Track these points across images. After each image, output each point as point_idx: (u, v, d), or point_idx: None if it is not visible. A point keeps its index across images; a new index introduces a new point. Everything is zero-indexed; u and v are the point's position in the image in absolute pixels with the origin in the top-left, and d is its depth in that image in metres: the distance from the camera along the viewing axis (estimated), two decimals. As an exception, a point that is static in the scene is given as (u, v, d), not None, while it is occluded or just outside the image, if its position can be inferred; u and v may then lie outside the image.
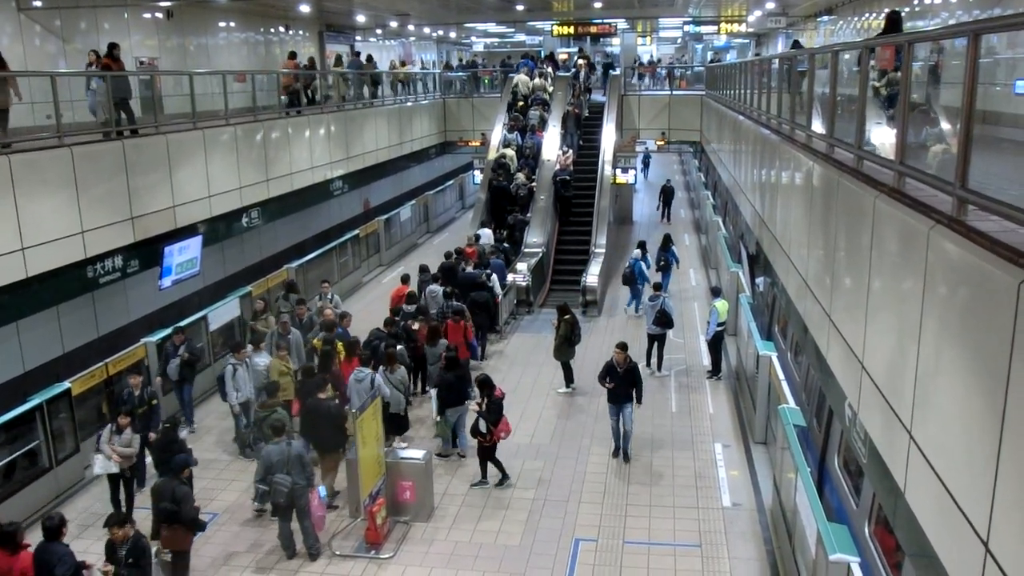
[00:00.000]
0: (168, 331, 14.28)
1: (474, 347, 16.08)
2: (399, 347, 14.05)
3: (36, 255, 11.70)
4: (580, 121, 27.20)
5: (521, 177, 24.01)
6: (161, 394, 13.09)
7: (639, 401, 12.76)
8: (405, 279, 17.95)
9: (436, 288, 17.52)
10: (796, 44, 33.12)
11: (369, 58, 31.41)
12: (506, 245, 22.01)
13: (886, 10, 28.06)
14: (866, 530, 7.44)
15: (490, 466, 12.06)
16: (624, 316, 19.98)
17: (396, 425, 13.09)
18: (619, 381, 12.54)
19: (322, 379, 11.92)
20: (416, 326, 15.23)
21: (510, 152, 25.11)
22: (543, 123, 26.83)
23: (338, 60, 29.64)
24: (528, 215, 23.36)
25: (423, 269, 18.63)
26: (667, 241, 22.16)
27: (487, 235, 22.30)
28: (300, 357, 14.12)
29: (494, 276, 18.52)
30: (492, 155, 25.58)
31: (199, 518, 9.43)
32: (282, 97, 21.41)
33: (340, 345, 13.65)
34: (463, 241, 21.33)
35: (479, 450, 11.96)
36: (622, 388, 12.57)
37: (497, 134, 26.59)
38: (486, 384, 11.94)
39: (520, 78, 29.04)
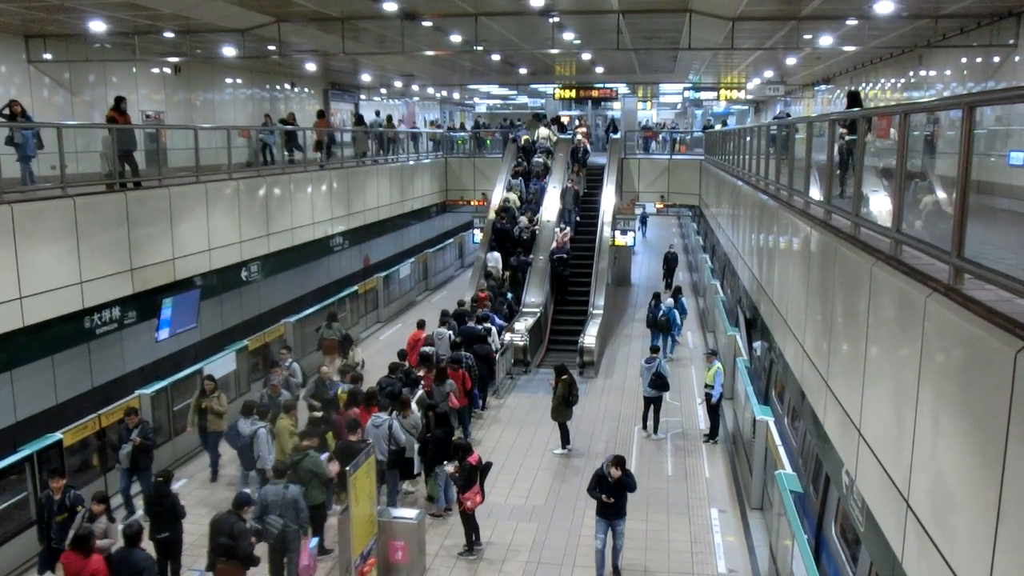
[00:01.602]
0: (159, 384, 14.18)
1: (475, 397, 16.40)
2: (420, 392, 14.41)
3: (34, 304, 11.70)
4: (579, 198, 27.22)
5: (524, 220, 24.82)
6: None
7: (631, 488, 11.01)
8: (421, 324, 18.42)
9: (443, 331, 18.07)
10: (781, 115, 33.78)
11: (388, 119, 32.26)
12: (509, 295, 22.49)
13: (881, 80, 28.65)
14: None
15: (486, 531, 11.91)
16: (622, 377, 19.92)
17: (405, 469, 13.08)
18: (612, 492, 10.84)
19: (353, 424, 12.19)
20: (422, 372, 15.44)
21: (514, 196, 26.14)
22: (546, 170, 27.89)
23: (359, 120, 30.24)
24: (531, 256, 23.93)
25: (444, 313, 19.33)
26: (677, 293, 23.16)
27: (496, 258, 23.34)
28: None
29: (493, 330, 18.84)
30: (496, 202, 26.46)
31: (253, 554, 9.48)
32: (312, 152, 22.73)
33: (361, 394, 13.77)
34: (461, 298, 21.44)
35: (461, 517, 11.80)
36: (616, 500, 10.89)
37: (498, 193, 26.94)
38: (460, 448, 11.77)
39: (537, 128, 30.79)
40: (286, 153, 21.87)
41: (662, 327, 21.36)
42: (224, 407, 14.10)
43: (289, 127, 22.97)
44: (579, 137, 30.12)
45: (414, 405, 13.57)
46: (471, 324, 18.67)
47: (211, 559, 9.51)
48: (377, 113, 33.85)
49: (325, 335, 18.92)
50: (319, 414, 13.49)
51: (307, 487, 10.96)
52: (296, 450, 11.43)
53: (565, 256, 23.66)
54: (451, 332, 18.10)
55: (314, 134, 23.67)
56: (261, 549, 10.52)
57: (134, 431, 12.23)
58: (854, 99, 13.62)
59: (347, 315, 23.35)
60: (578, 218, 26.66)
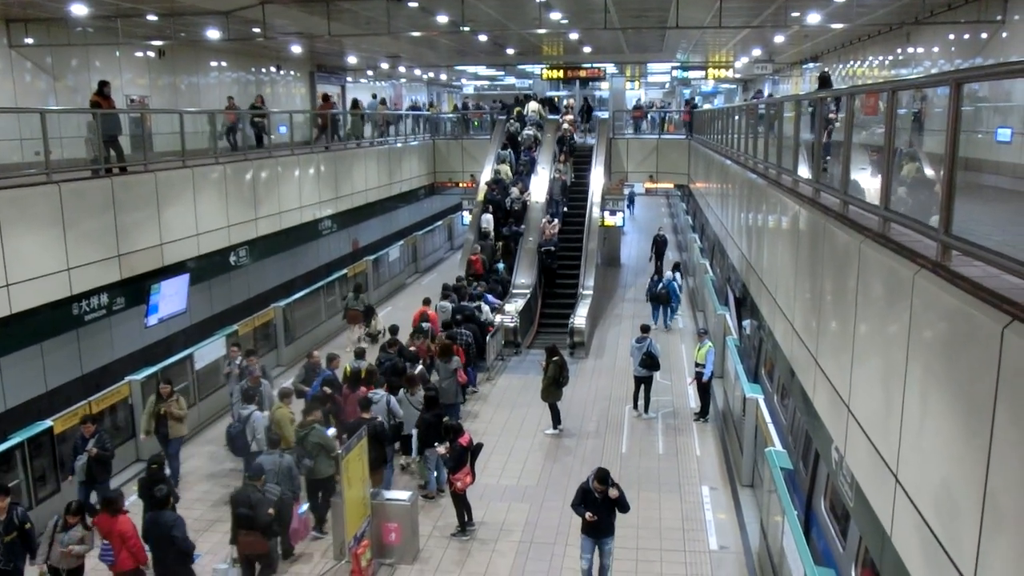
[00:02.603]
0: (149, 370, 14.07)
1: (471, 374, 16.82)
2: (420, 367, 14.78)
3: (21, 292, 11.62)
4: (566, 188, 26.66)
5: (515, 191, 25.15)
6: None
7: (624, 509, 10.08)
8: (427, 301, 18.94)
9: (445, 304, 19.00)
10: (759, 94, 33.78)
11: (383, 101, 32.37)
12: (501, 265, 23.04)
13: (869, 57, 28.66)
14: (852, 574, 7.41)
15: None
16: (613, 357, 19.97)
17: (406, 446, 13.43)
18: (598, 510, 9.91)
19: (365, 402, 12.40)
20: (413, 347, 15.75)
21: (505, 168, 26.57)
22: (536, 142, 28.47)
23: (355, 104, 30.37)
24: (523, 226, 24.37)
25: (445, 287, 20.46)
26: (676, 268, 24.29)
27: (488, 220, 24.24)
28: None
29: (484, 307, 19.33)
30: (486, 180, 26.72)
31: (273, 525, 9.97)
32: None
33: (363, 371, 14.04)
34: (451, 281, 21.52)
35: (452, 498, 11.85)
36: (603, 517, 9.99)
37: (487, 174, 26.91)
38: (451, 430, 11.79)
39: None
40: (265, 137, 21.21)
41: (662, 299, 22.37)
42: (184, 410, 13.24)
43: (271, 110, 22.73)
44: (565, 126, 29.52)
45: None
46: (464, 303, 19.08)
47: (233, 532, 9.88)
48: (374, 96, 33.97)
49: (351, 305, 20.81)
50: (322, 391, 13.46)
51: (315, 461, 11.07)
52: (302, 425, 11.58)
53: (553, 249, 23.36)
54: (452, 305, 18.78)
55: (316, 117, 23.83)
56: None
57: (90, 441, 11.38)
58: (824, 80, 14.97)
59: (336, 299, 23.33)
60: (566, 208, 26.24)
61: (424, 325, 17.25)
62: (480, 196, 25.84)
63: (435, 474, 12.98)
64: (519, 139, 28.59)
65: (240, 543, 9.85)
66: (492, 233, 23.90)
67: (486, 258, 22.84)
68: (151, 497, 10.29)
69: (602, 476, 9.84)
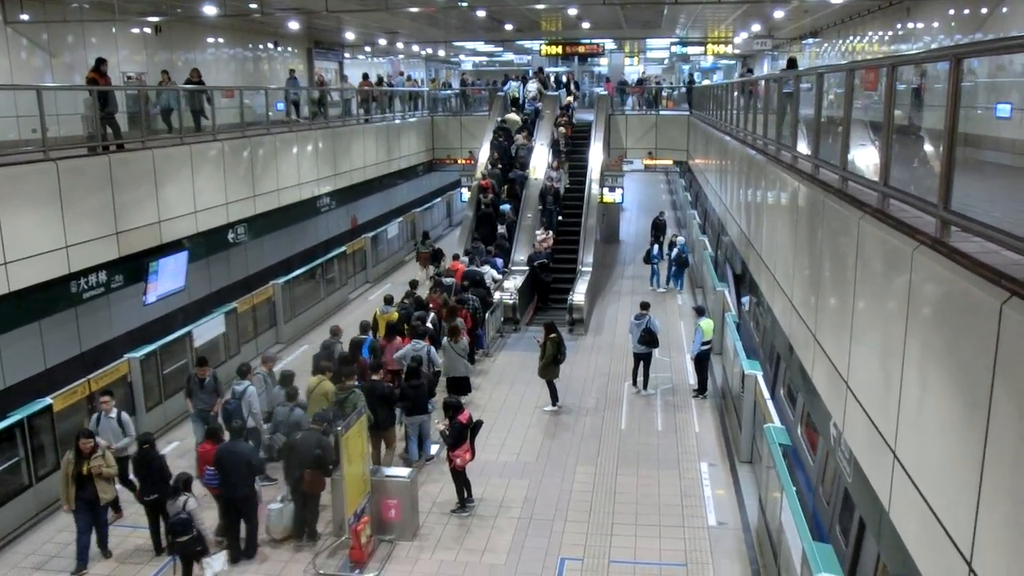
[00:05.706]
0: (147, 348, 14.02)
1: (479, 337, 17.72)
2: (431, 315, 16.38)
3: (19, 270, 11.60)
4: (560, 197, 25.30)
5: (520, 138, 26.28)
6: None
7: None
8: (456, 257, 21.22)
9: (464, 259, 21.02)
10: (749, 72, 33.65)
11: (409, 78, 33.24)
12: (507, 206, 24.07)
13: (869, 33, 28.47)
14: (798, 430, 9.21)
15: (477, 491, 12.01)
16: (612, 334, 19.98)
17: (459, 388, 14.82)
18: None
19: (376, 364, 13.28)
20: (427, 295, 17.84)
21: (512, 117, 27.78)
22: (541, 95, 30.14)
23: (380, 81, 30.89)
24: (527, 172, 25.36)
25: (466, 252, 22.10)
26: (661, 239, 25.26)
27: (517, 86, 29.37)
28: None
29: (491, 272, 20.25)
30: (482, 159, 27.27)
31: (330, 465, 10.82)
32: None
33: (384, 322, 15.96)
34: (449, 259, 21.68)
35: (452, 475, 11.89)
36: None
37: (485, 151, 26.84)
38: (450, 407, 11.80)
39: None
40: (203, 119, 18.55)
41: (682, 263, 23.95)
42: (114, 467, 10.58)
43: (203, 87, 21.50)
44: (561, 129, 27.96)
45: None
46: (474, 268, 20.02)
47: (296, 475, 10.65)
48: (401, 73, 34.40)
49: (420, 249, 24.76)
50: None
51: None
52: (341, 389, 12.10)
53: (547, 262, 22.24)
54: (465, 264, 20.44)
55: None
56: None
57: None
58: (791, 63, 17.21)
59: (336, 276, 23.31)
60: (560, 217, 24.99)
61: (447, 281, 18.79)
62: (479, 172, 25.81)
63: (414, 443, 13.26)
64: (525, 91, 30.22)
65: (306, 482, 10.63)
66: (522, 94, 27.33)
67: (495, 182, 24.55)
68: (144, 477, 10.39)
69: None
